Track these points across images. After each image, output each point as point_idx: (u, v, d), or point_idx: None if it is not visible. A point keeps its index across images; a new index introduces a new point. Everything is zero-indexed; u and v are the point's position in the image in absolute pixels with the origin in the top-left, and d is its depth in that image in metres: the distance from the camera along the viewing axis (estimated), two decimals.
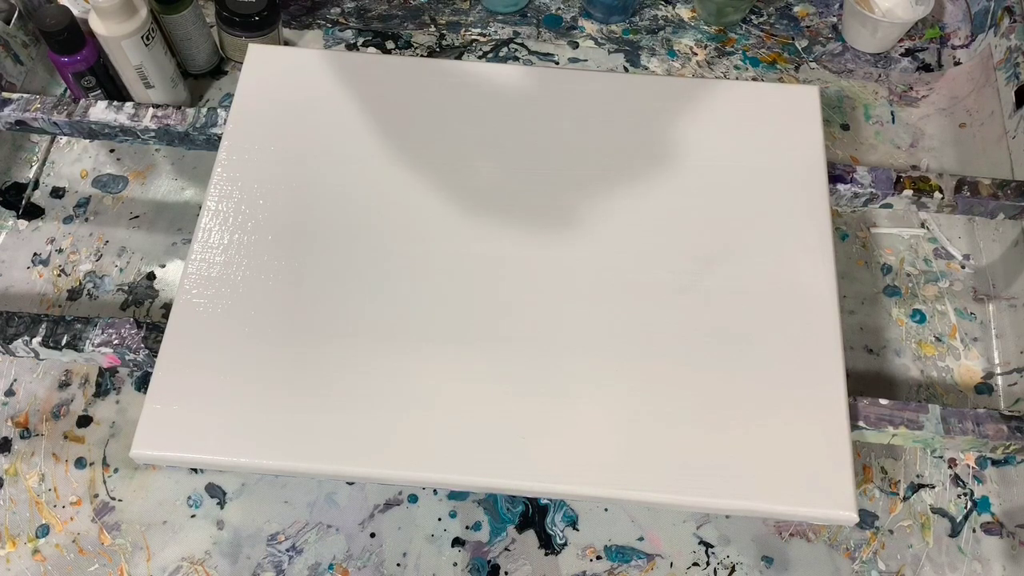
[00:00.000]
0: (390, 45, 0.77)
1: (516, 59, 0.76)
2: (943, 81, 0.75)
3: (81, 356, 0.52)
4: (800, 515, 0.46)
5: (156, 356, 0.49)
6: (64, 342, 0.52)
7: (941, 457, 0.59)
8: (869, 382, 0.61)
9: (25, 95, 0.61)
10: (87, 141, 0.71)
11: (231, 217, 0.53)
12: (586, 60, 0.76)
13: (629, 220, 0.54)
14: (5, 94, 0.61)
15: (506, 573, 0.54)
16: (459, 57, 0.76)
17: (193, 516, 0.55)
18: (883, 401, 0.51)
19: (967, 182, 0.60)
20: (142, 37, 0.63)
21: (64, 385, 0.59)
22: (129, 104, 0.60)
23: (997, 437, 0.50)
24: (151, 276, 0.64)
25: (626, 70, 0.75)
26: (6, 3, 0.70)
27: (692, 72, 0.75)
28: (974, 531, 0.56)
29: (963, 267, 0.66)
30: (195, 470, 0.57)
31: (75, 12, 0.63)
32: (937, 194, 0.59)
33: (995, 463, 0.58)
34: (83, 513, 0.55)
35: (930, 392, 0.61)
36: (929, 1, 0.72)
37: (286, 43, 0.76)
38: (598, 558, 0.55)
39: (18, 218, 0.67)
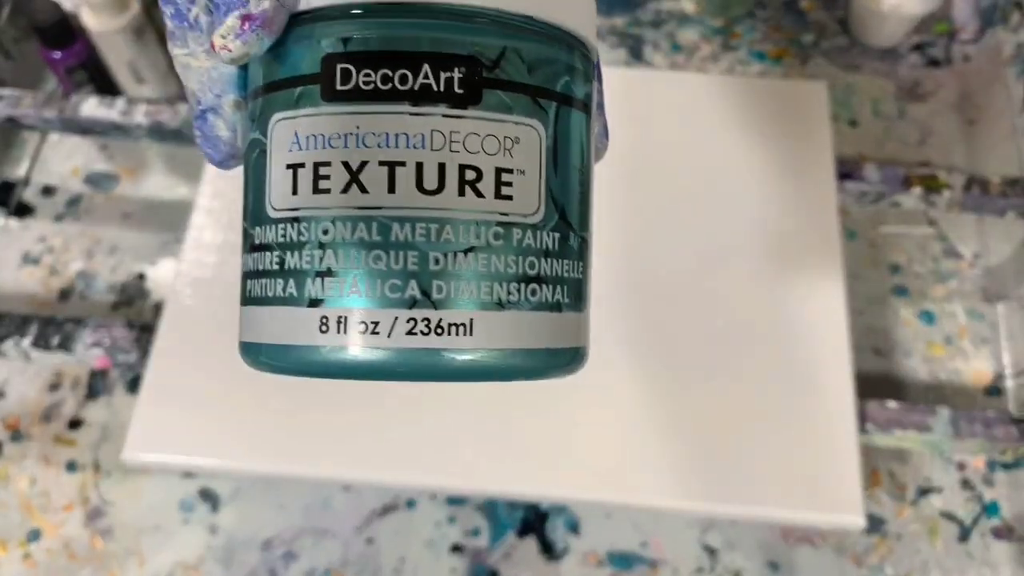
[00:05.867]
0: None
1: None
2: (952, 77, 0.74)
3: (72, 357, 0.51)
4: (807, 520, 0.45)
5: (148, 357, 0.48)
6: (55, 343, 0.51)
7: (950, 460, 0.57)
8: (877, 384, 0.60)
9: (15, 91, 0.60)
10: (78, 138, 0.69)
11: (224, 215, 0.52)
12: None
13: (630, 219, 0.53)
14: None
15: None
16: None
17: (186, 521, 0.54)
18: (891, 403, 0.50)
19: (976, 180, 0.58)
20: (135, 31, 0.62)
21: (55, 387, 0.58)
22: (121, 100, 0.59)
23: (1007, 440, 0.49)
24: (143, 276, 0.63)
25: (628, 65, 0.74)
26: None
27: (696, 67, 0.74)
28: (983, 536, 0.55)
29: (972, 266, 0.65)
30: (188, 474, 0.56)
31: (67, 6, 0.61)
32: (946, 192, 0.58)
33: (1005, 467, 0.57)
34: (74, 517, 0.54)
35: (939, 394, 0.60)
36: None
37: None
38: (600, 564, 0.54)
39: (8, 217, 0.66)
